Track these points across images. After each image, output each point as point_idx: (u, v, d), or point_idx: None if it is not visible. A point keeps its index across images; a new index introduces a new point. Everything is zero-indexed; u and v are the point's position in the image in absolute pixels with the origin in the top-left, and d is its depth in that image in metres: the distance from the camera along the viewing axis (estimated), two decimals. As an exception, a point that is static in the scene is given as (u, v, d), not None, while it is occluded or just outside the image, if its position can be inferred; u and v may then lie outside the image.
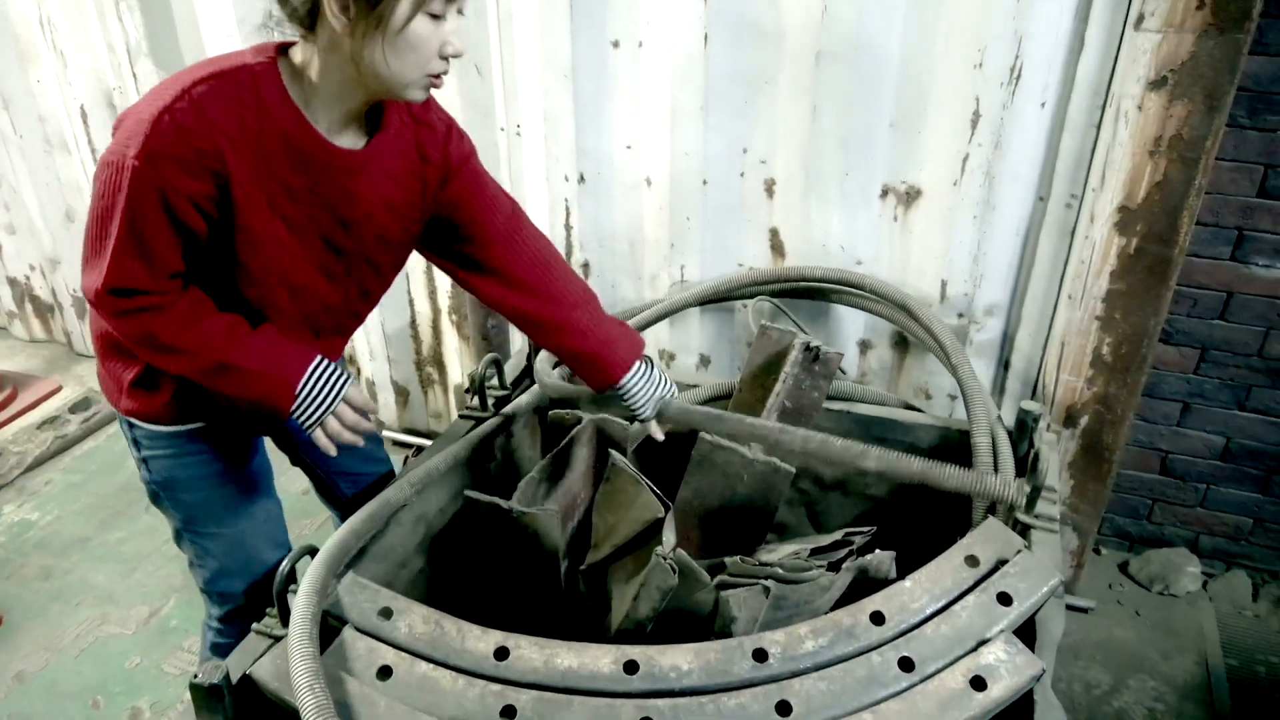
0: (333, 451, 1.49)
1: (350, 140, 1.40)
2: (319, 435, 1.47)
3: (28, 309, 3.93)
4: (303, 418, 1.45)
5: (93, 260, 1.30)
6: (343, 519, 1.65)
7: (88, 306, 1.33)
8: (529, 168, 2.55)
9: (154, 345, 1.36)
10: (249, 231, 1.34)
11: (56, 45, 3.08)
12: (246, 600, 1.72)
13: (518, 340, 2.82)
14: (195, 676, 1.27)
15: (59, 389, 3.57)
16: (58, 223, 3.52)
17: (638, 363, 1.68)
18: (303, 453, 1.84)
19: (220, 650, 1.76)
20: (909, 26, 2.09)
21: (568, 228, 2.62)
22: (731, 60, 2.25)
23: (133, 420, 1.55)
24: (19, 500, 3.03)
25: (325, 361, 1.46)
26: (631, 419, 1.77)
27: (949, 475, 1.42)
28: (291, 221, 1.38)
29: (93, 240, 1.30)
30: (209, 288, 1.40)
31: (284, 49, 1.34)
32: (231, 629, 1.76)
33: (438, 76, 1.31)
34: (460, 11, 1.29)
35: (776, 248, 2.45)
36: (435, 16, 1.25)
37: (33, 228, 3.57)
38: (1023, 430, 1.95)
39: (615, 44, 2.32)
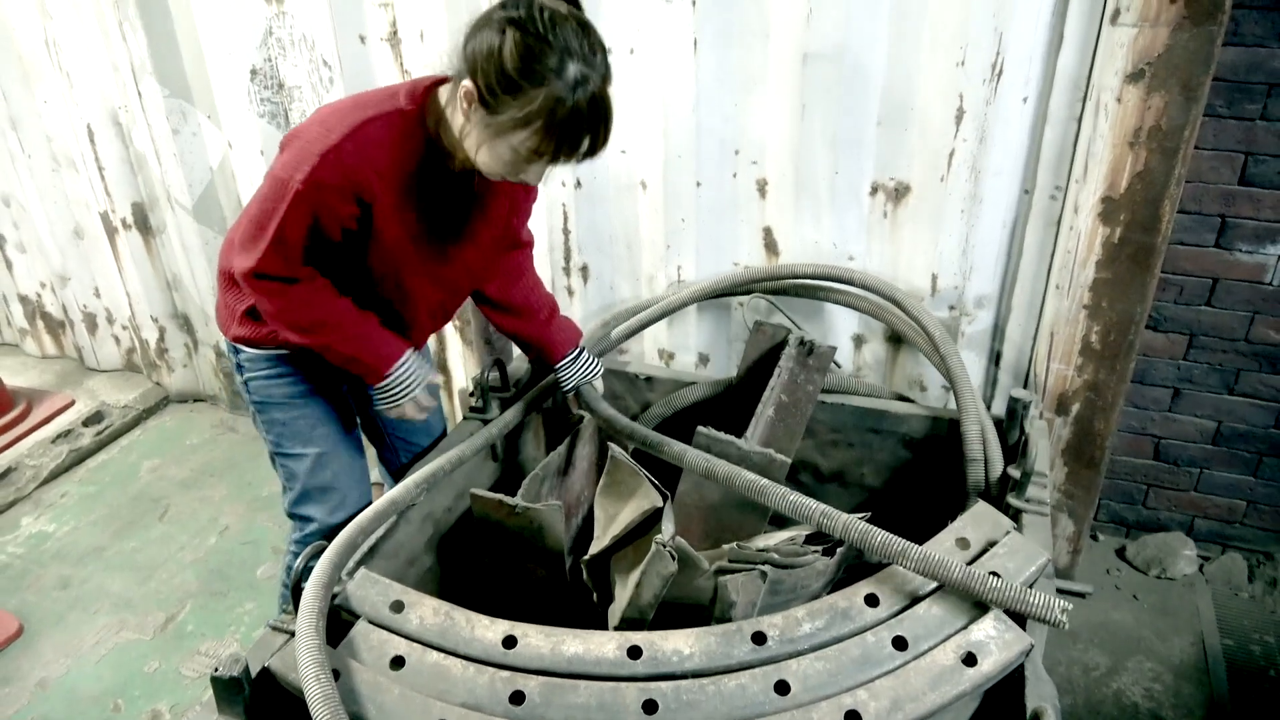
0: (419, 416, 1.83)
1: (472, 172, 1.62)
2: (406, 409, 1.79)
3: (39, 325, 3.99)
4: (381, 399, 1.77)
5: (249, 246, 1.57)
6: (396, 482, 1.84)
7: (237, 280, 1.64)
8: (527, 174, 2.60)
9: (283, 318, 1.64)
10: (379, 242, 1.61)
11: (62, 65, 3.14)
12: (320, 528, 1.88)
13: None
14: (215, 670, 1.32)
15: (72, 403, 3.64)
16: (66, 240, 3.57)
17: (570, 350, 2.08)
18: (371, 414, 2.08)
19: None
20: (893, 26, 2.14)
21: (565, 232, 2.67)
22: (721, 64, 2.30)
23: (240, 345, 1.79)
24: (36, 512, 3.09)
25: (412, 354, 1.77)
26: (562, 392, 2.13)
27: (915, 556, 1.44)
28: (415, 236, 1.65)
29: (250, 230, 1.56)
30: (341, 278, 1.66)
31: (437, 85, 1.57)
32: None
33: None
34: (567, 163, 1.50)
35: (770, 246, 2.50)
36: (536, 155, 1.45)
37: (42, 245, 3.63)
38: (1013, 418, 2.01)
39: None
